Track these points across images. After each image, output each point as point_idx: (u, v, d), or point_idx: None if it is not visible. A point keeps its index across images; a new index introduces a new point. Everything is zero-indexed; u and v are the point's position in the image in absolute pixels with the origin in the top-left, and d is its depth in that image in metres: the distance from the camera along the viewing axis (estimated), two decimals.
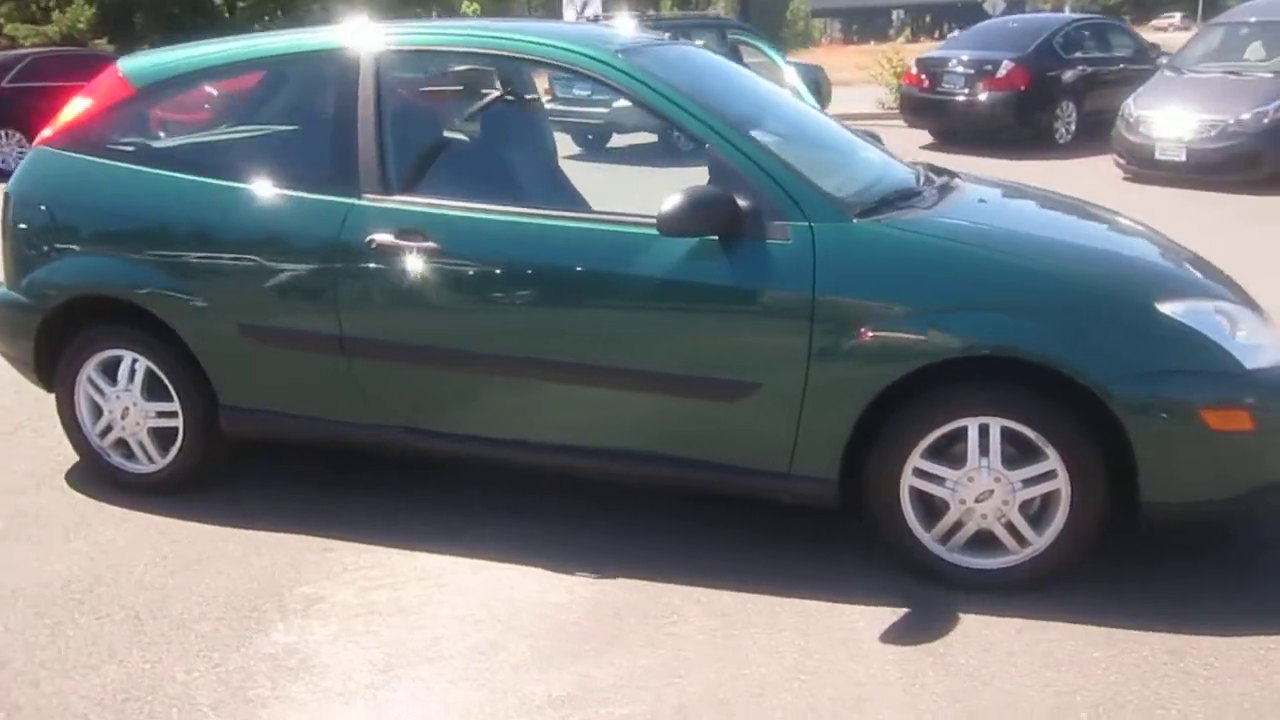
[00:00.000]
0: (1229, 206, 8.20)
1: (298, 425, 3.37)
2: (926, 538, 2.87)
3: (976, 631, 2.69)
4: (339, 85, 3.21)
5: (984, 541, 2.85)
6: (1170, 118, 9.06)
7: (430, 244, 3.02)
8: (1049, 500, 2.78)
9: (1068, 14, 12.30)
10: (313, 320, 3.19)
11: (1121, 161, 9.53)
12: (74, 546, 3.27)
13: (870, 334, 2.74)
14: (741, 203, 2.79)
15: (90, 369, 3.50)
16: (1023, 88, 11.06)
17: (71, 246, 3.43)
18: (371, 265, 3.09)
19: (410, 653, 2.68)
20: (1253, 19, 10.18)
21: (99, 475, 3.66)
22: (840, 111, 14.39)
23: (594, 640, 2.72)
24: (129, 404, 3.47)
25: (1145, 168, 9.17)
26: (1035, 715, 2.38)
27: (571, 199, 3.65)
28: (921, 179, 3.31)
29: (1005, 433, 2.74)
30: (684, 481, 3.09)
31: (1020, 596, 2.81)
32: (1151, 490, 2.68)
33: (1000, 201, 3.34)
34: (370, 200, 3.11)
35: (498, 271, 3.03)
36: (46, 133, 3.60)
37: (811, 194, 2.84)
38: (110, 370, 3.49)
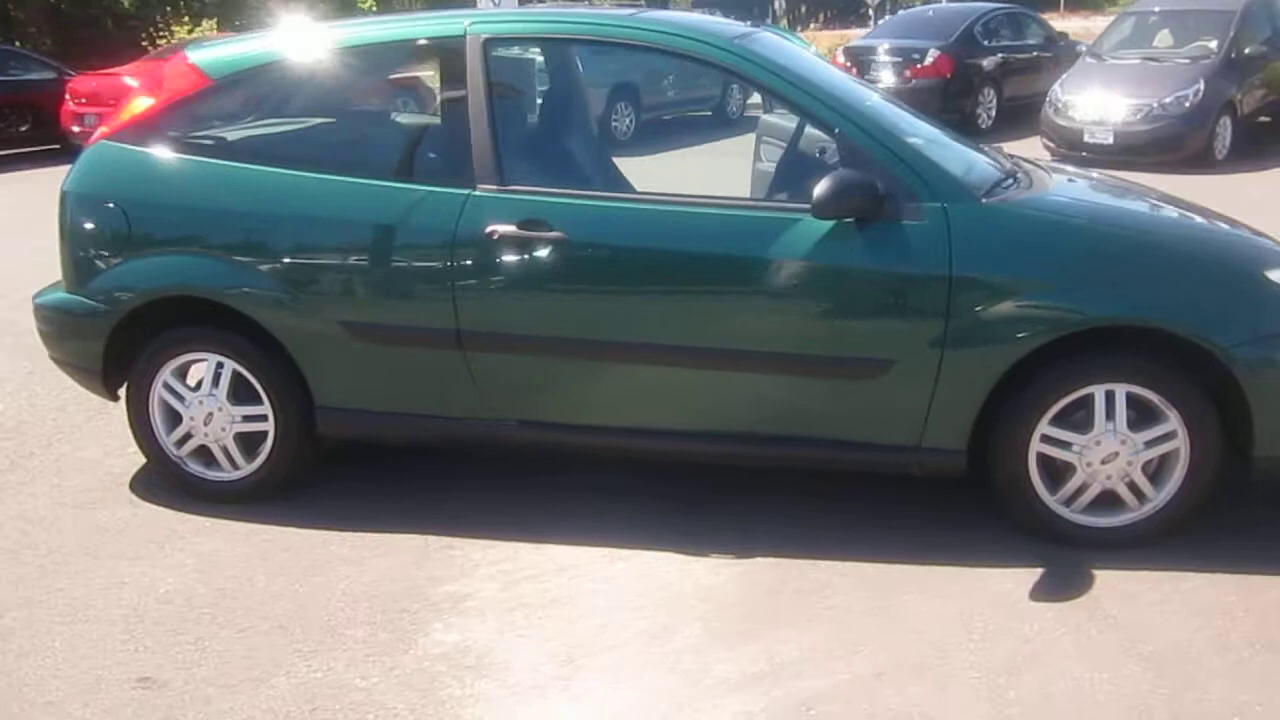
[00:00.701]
0: (1158, 184, 8.68)
1: (403, 424, 3.29)
2: (1052, 500, 3.00)
3: (1118, 585, 2.84)
4: (446, 74, 3.14)
5: (1105, 501, 3.01)
6: (1097, 102, 9.56)
7: (555, 233, 3.00)
8: (1166, 459, 2.95)
9: (983, 3, 12.71)
10: (426, 315, 3.13)
11: (1050, 144, 9.99)
12: (176, 560, 3.13)
13: (1005, 309, 2.86)
14: (879, 186, 2.87)
15: (167, 374, 3.35)
16: (948, 75, 11.48)
17: (150, 246, 3.27)
18: (492, 257, 3.04)
19: (585, 642, 2.68)
20: (1157, 9, 10.82)
21: (167, 485, 3.51)
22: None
23: (759, 618, 2.77)
24: (213, 409, 3.33)
25: (1074, 150, 9.64)
26: (1204, 657, 2.54)
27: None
28: (1007, 162, 3.45)
29: (1129, 397, 2.90)
30: (815, 461, 3.16)
31: (1144, 551, 2.97)
32: (1265, 445, 2.88)
33: (1083, 184, 3.50)
34: (486, 191, 3.06)
35: (626, 259, 3.03)
36: (104, 129, 3.42)
37: (942, 176, 2.94)
38: (188, 374, 3.35)
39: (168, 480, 3.50)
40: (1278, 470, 2.96)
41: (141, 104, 3.35)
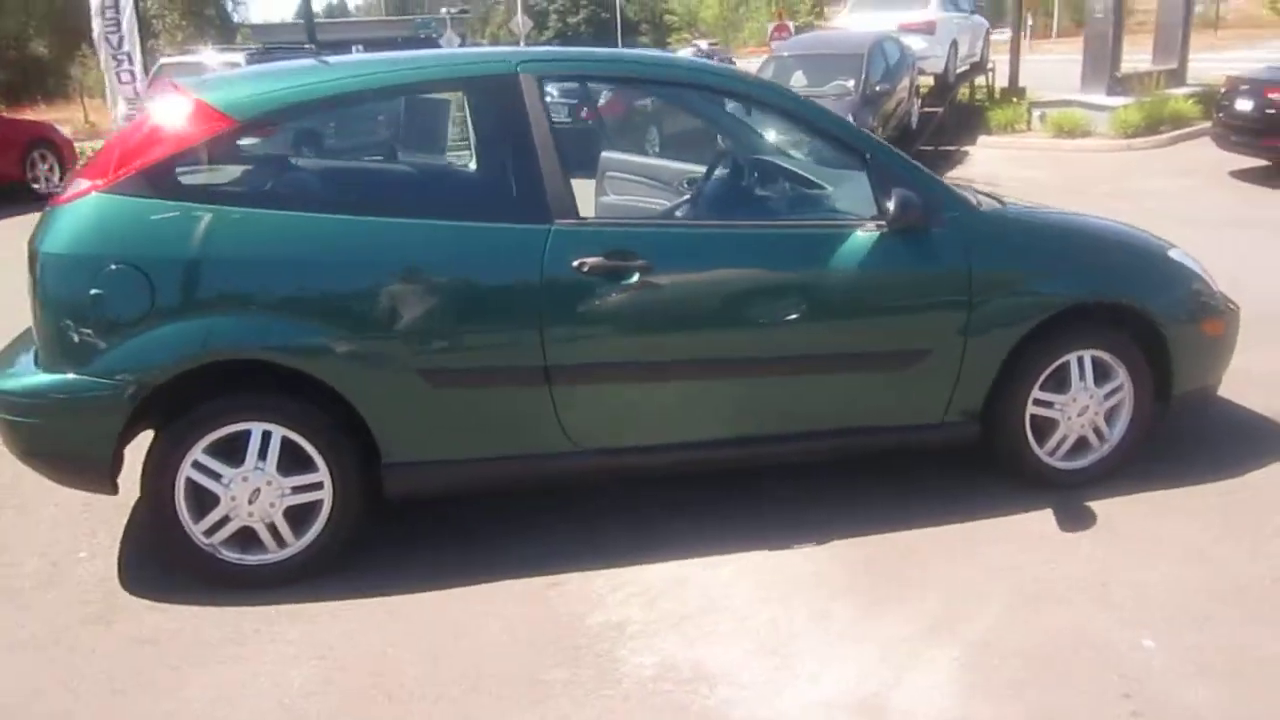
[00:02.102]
0: None
1: (482, 470, 3.19)
2: (1040, 452, 3.64)
3: (1112, 510, 3.52)
4: (500, 111, 3.12)
5: (1076, 447, 3.69)
6: None
7: (642, 261, 3.12)
8: (1116, 407, 3.70)
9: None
10: (512, 353, 3.09)
11: None
12: (276, 652, 2.82)
13: (1010, 297, 3.45)
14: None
15: (198, 453, 2.98)
16: (620, 113, 12.35)
17: (183, 308, 2.88)
18: (580, 289, 3.09)
19: (770, 636, 2.84)
20: (787, 54, 12.52)
21: (179, 578, 3.11)
22: None
23: (882, 588, 3.08)
24: (260, 484, 3.01)
25: None
26: (1210, 545, 3.28)
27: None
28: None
29: (1093, 360, 3.62)
30: (857, 448, 3.54)
31: (1107, 481, 3.69)
32: (1180, 385, 3.72)
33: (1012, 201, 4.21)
34: (566, 225, 3.11)
35: (710, 281, 3.22)
36: (87, 182, 2.94)
37: (948, 190, 3.47)
38: (222, 451, 3.00)
39: (191, 572, 3.09)
40: (1190, 402, 3.82)
41: (140, 151, 2.94)
